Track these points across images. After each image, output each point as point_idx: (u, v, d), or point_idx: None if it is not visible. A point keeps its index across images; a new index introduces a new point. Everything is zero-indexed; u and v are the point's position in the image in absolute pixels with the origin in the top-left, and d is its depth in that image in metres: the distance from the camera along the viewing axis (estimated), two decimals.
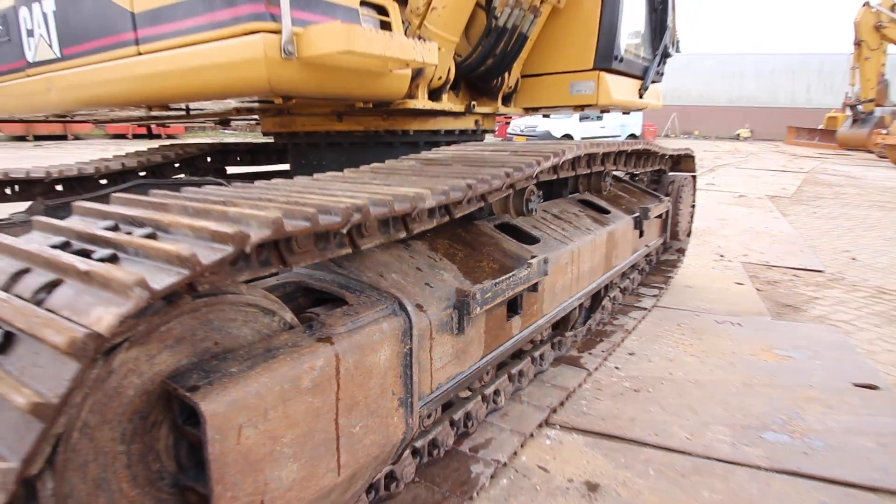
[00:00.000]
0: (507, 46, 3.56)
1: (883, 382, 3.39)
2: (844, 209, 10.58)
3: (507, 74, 3.86)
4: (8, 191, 3.52)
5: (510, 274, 2.30)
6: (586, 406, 3.07)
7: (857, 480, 2.46)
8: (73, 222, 1.45)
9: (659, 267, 5.34)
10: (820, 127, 32.04)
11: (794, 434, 2.83)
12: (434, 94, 3.39)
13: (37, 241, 1.36)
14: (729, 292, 5.21)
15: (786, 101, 43.69)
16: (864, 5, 23.56)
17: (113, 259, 1.19)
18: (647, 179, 5.18)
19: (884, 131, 22.38)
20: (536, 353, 3.14)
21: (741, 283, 5.50)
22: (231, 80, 2.41)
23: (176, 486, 1.34)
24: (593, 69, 3.76)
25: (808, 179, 15.65)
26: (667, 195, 4.98)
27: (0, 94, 3.77)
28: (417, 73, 3.02)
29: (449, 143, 3.75)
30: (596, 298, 3.86)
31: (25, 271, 1.24)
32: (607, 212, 3.85)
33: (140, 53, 2.72)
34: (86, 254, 1.26)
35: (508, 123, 23.57)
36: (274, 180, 1.95)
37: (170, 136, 24.89)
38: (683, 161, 5.47)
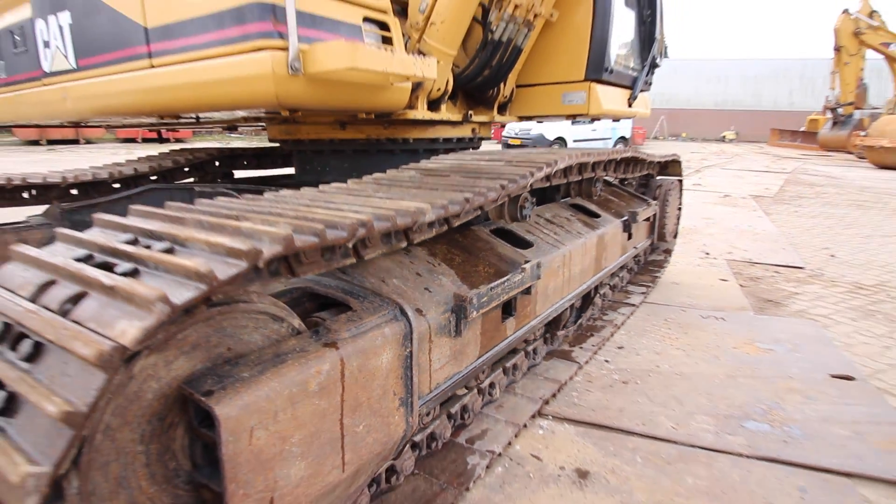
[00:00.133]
0: (502, 58, 3.58)
1: (858, 374, 3.43)
2: (824, 208, 10.63)
3: (502, 85, 3.88)
4: (26, 195, 3.54)
5: (505, 278, 2.33)
6: (577, 398, 3.11)
7: (833, 466, 2.50)
8: (95, 235, 1.48)
9: (647, 267, 5.37)
10: (802, 129, 32.13)
11: (774, 423, 2.87)
12: (433, 105, 3.41)
13: (61, 253, 1.39)
14: (714, 288, 5.25)
15: (769, 104, 43.80)
16: (843, 12, 23.61)
17: (134, 273, 1.22)
18: (635, 183, 5.22)
19: (862, 133, 22.44)
20: (530, 348, 3.17)
21: (725, 280, 5.55)
22: (240, 94, 2.43)
23: (191, 483, 1.36)
24: (585, 80, 3.79)
25: (790, 179, 15.71)
26: (654, 199, 5.01)
27: (17, 102, 3.79)
28: (417, 86, 3.05)
29: (447, 151, 3.77)
30: (586, 299, 3.89)
31: (52, 283, 1.27)
32: (597, 215, 3.88)
33: (153, 66, 2.74)
34: (108, 267, 1.29)
35: (503, 127, 23.61)
36: (282, 192, 1.98)
37: (178, 140, 24.88)
38: (670, 166, 5.50)
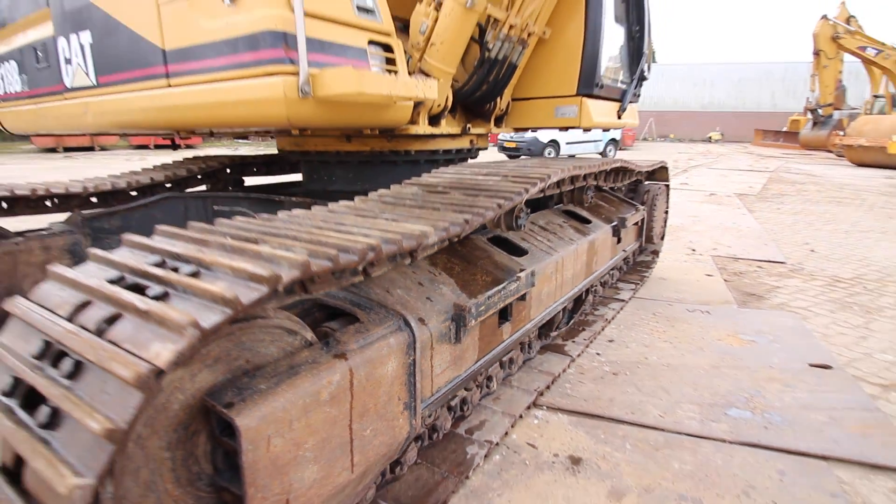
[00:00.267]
0: (498, 75, 3.63)
1: (835, 362, 3.50)
2: (805, 205, 10.71)
3: (499, 99, 3.93)
4: (49, 203, 3.58)
5: (501, 287, 2.38)
6: (570, 389, 3.16)
7: (811, 450, 2.56)
8: (124, 256, 1.53)
9: (635, 267, 5.43)
10: (784, 129, 32.24)
11: (756, 410, 2.94)
12: (433, 120, 3.46)
13: (94, 274, 1.44)
14: (699, 283, 5.32)
15: (753, 105, 43.80)
16: (822, 18, 23.61)
17: (165, 296, 1.28)
18: (624, 189, 5.27)
19: (841, 133, 22.55)
20: (525, 343, 3.21)
21: (710, 275, 5.61)
22: (253, 115, 2.47)
23: (212, 486, 1.41)
24: (576, 95, 3.83)
25: (772, 178, 15.77)
26: (643, 203, 5.07)
27: (40, 114, 3.84)
28: (419, 104, 3.09)
29: (447, 162, 3.82)
30: (578, 301, 3.95)
31: (87, 303, 1.33)
32: (589, 221, 3.93)
33: (170, 86, 2.78)
34: (139, 288, 1.34)
35: None
36: (295, 211, 2.02)
37: (189, 147, 24.80)
38: (658, 172, 5.56)
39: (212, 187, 4.57)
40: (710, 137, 42.59)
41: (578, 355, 3.54)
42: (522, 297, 2.61)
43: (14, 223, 3.50)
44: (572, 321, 3.91)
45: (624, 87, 4.37)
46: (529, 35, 3.63)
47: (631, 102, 4.48)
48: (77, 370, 1.19)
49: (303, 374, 1.48)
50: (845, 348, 3.79)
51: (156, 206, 3.76)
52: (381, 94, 2.33)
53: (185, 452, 1.35)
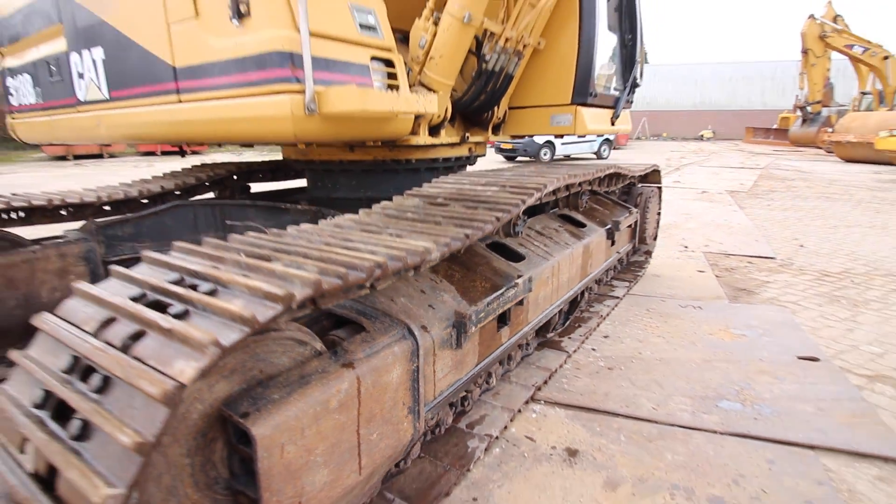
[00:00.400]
0: (495, 85, 3.67)
1: (823, 355, 3.54)
2: (795, 201, 10.73)
3: (496, 108, 3.97)
4: (64, 212, 3.62)
5: (500, 293, 2.42)
6: (567, 383, 3.20)
7: (799, 440, 2.61)
8: (145, 273, 1.58)
9: (629, 267, 5.48)
10: (774, 126, 32.27)
11: (746, 402, 2.97)
12: (434, 130, 3.51)
13: (117, 292, 1.49)
14: (692, 279, 5.36)
15: (743, 104, 43.73)
16: (809, 17, 23.61)
17: (186, 314, 1.33)
18: (618, 192, 5.31)
19: (830, 129, 22.61)
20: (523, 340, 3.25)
21: (702, 271, 5.65)
22: (261, 130, 2.52)
23: (229, 490, 1.45)
24: (571, 104, 3.88)
25: (763, 175, 15.78)
26: (636, 206, 5.11)
27: (53, 126, 3.89)
28: (419, 116, 3.14)
29: (447, 169, 3.87)
30: (573, 303, 4.00)
31: (112, 320, 1.38)
32: (583, 225, 3.97)
33: (181, 101, 2.83)
34: (161, 306, 1.39)
35: None
36: (303, 226, 2.07)
37: (194, 153, 24.79)
38: (650, 176, 5.61)
39: (219, 194, 4.61)
40: (702, 136, 42.62)
41: (574, 351, 3.58)
42: (520, 303, 2.66)
43: (29, 231, 3.55)
44: (568, 322, 3.95)
45: (617, 94, 4.41)
46: (525, 46, 3.67)
47: (624, 108, 4.52)
48: (105, 385, 1.23)
49: (313, 384, 1.53)
50: (833, 341, 3.82)
51: (166, 213, 3.80)
52: (383, 111, 2.38)
53: (204, 458, 1.40)
